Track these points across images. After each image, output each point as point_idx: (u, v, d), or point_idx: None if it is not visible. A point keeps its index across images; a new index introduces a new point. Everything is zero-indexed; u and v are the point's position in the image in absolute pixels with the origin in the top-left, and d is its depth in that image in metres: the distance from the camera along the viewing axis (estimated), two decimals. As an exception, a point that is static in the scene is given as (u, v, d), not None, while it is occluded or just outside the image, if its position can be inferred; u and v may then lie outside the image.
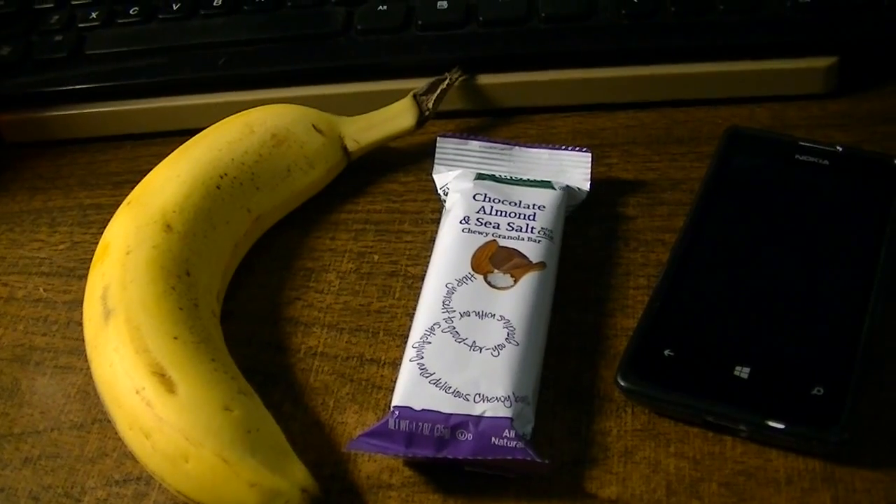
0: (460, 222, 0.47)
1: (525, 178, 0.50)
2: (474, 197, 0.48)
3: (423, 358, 0.42)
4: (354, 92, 0.56)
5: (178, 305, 0.44)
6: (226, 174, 0.49)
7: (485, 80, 0.56)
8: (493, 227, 0.47)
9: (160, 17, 0.60)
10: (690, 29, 0.54)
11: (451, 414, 0.40)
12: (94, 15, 0.61)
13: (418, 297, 0.45)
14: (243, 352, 0.46)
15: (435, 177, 0.51)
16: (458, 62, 0.55)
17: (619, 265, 0.48)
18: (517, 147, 0.51)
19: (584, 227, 0.49)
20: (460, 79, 0.55)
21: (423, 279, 0.46)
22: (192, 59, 0.58)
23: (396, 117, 0.54)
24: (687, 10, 0.55)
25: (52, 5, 0.62)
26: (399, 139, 0.54)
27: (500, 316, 0.43)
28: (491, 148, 0.51)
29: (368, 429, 0.41)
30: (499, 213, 0.47)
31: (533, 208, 0.47)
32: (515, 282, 0.45)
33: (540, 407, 0.42)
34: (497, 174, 0.50)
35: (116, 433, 0.42)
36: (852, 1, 0.54)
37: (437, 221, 0.49)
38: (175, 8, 0.60)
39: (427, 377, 0.42)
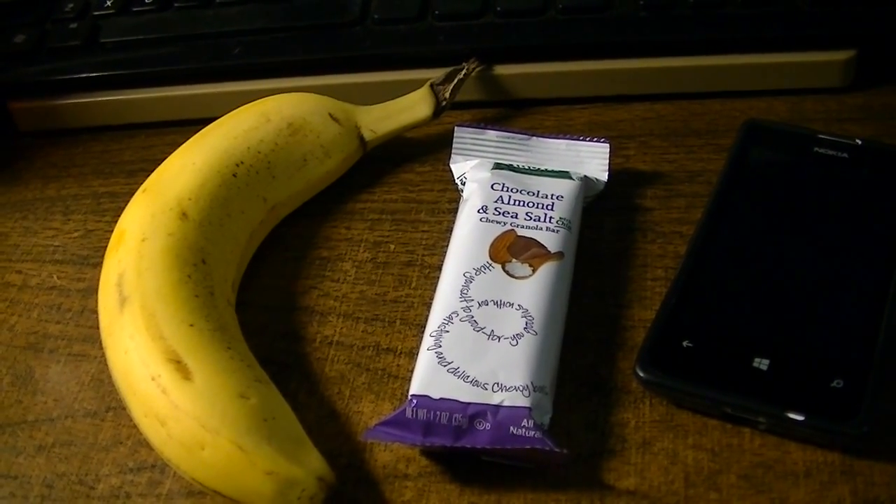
0: (478, 211, 0.47)
1: (543, 168, 0.49)
2: (492, 186, 0.48)
3: (440, 347, 0.42)
4: (371, 81, 0.56)
5: (194, 293, 0.44)
6: (241, 162, 0.49)
7: (501, 70, 0.56)
8: (511, 217, 0.47)
9: (175, 5, 0.60)
10: (708, 21, 0.54)
11: (469, 403, 0.40)
12: (108, 3, 0.61)
13: (435, 286, 0.45)
14: (258, 341, 0.46)
15: (452, 166, 0.51)
16: (474, 52, 0.55)
17: (637, 256, 0.48)
18: (535, 137, 0.51)
19: (602, 218, 0.49)
20: (477, 69, 0.55)
21: (440, 269, 0.46)
22: (207, 48, 0.58)
23: (413, 107, 0.54)
24: (705, 2, 0.54)
25: (67, -7, 0.62)
26: (415, 129, 0.54)
27: (519, 305, 0.43)
28: (509, 138, 0.51)
29: (385, 417, 0.41)
30: (517, 202, 0.47)
31: (551, 198, 0.47)
32: (534, 271, 0.44)
33: (558, 397, 0.42)
34: (515, 164, 0.50)
35: (130, 421, 0.42)
36: (870, -6, 0.54)
37: (454, 211, 0.49)
38: (190, -4, 0.60)
39: (445, 366, 0.41)
